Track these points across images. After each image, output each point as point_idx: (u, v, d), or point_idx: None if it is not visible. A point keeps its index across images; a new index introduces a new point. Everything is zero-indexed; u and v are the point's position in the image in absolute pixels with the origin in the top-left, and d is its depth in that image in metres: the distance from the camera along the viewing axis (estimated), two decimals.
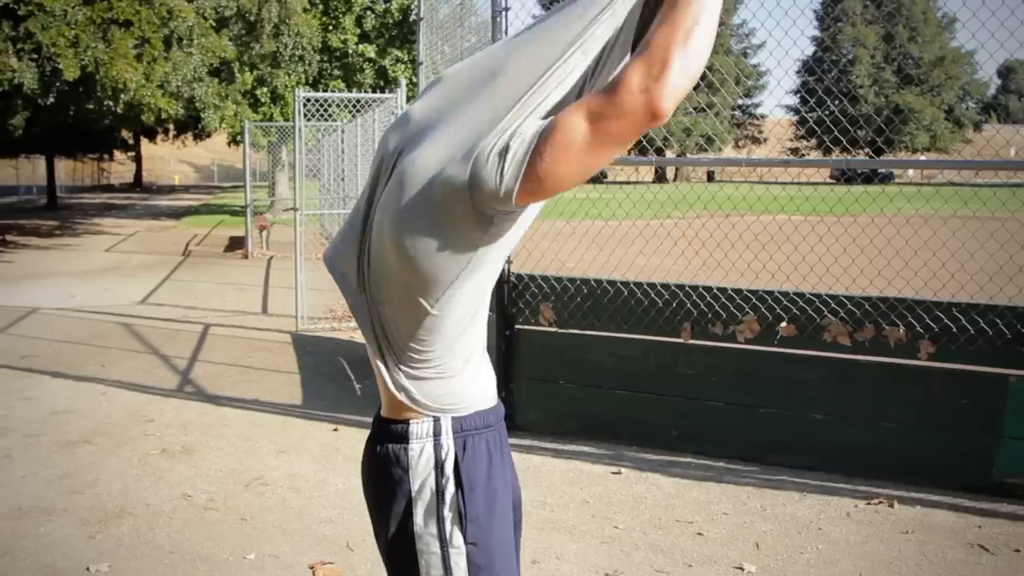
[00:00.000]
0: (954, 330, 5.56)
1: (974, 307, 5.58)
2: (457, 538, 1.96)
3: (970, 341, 5.53)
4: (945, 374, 5.62)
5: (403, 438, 1.99)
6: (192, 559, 4.67)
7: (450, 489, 1.95)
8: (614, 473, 5.92)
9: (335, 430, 6.79)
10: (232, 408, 7.44)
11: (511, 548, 2.06)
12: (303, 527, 5.09)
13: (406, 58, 34.48)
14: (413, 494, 1.99)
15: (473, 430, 2.01)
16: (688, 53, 1.64)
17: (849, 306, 5.82)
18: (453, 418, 1.99)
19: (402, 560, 2.03)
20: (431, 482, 1.97)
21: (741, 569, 4.59)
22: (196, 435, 6.71)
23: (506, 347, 6.67)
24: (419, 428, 1.97)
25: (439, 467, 1.96)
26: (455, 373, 1.98)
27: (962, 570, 4.62)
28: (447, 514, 1.96)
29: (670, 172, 56.77)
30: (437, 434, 1.98)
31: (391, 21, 35.15)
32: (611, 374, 6.42)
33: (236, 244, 21.01)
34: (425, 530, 1.97)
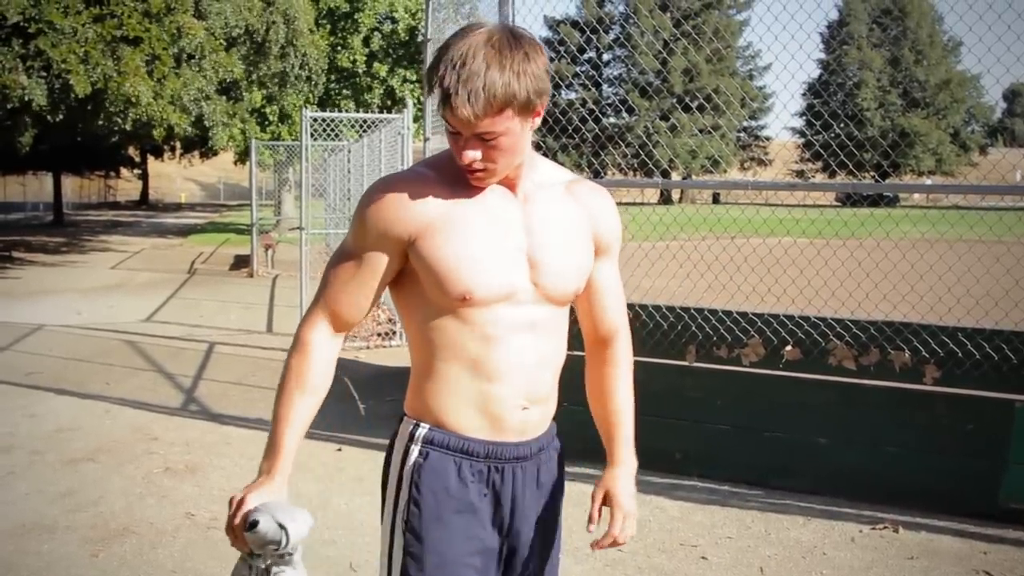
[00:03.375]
0: (960, 355, 5.56)
1: (980, 332, 5.58)
2: (399, 540, 2.12)
3: (976, 366, 5.53)
4: (950, 399, 5.61)
5: (395, 432, 2.19)
6: None
7: (403, 496, 2.12)
8: None
9: (339, 450, 6.78)
10: (236, 427, 7.43)
11: (456, 561, 2.12)
12: (306, 548, 5.05)
13: (413, 78, 34.56)
14: (388, 486, 2.17)
15: (444, 448, 2.11)
16: None
17: (854, 330, 5.82)
18: (430, 428, 2.12)
19: (384, 548, 2.20)
20: (393, 481, 2.15)
21: None
22: (200, 454, 6.70)
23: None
24: (403, 428, 2.16)
25: (402, 470, 2.13)
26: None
27: None
28: (398, 519, 2.13)
29: (675, 194, 56.84)
30: (412, 438, 2.13)
31: (398, 41, 35.25)
32: None
33: (241, 262, 21.03)
34: (384, 522, 2.17)
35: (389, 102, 34.00)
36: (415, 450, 2.10)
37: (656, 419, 6.29)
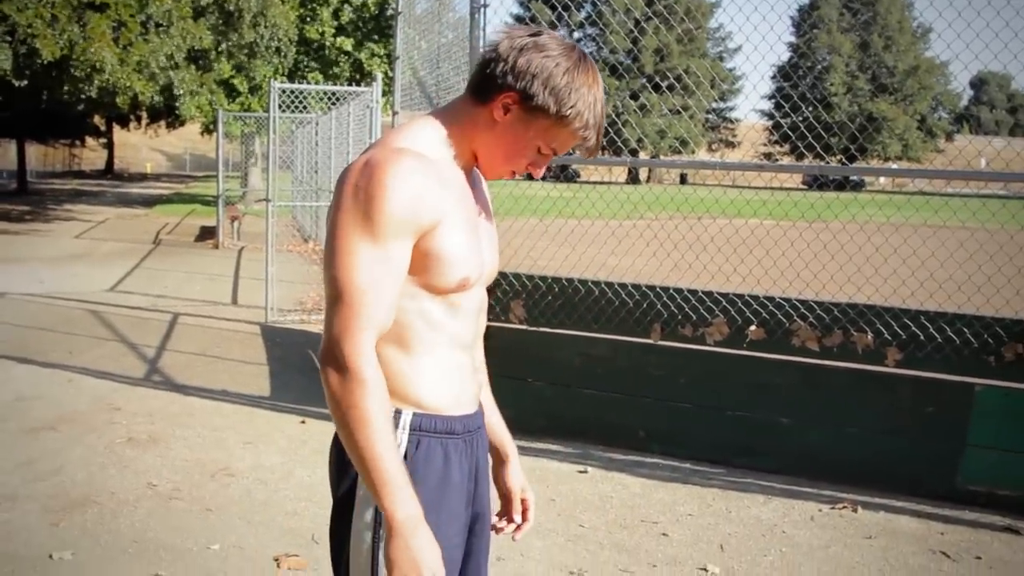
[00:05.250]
0: (922, 338, 5.61)
1: (942, 316, 5.63)
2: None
3: (937, 349, 5.58)
4: (912, 381, 5.67)
5: None
6: (156, 549, 4.64)
7: None
8: (581, 472, 5.94)
9: (303, 422, 6.77)
10: (199, 398, 7.40)
11: (451, 558, 2.07)
12: (268, 519, 5.07)
13: (382, 52, 34.38)
14: (359, 478, 2.01)
15: (432, 432, 2.05)
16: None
17: (818, 311, 5.86)
18: (415, 414, 2.03)
19: (338, 536, 2.09)
20: None
21: (705, 570, 4.61)
22: (162, 424, 6.67)
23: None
24: None
25: None
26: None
27: None
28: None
29: (643, 173, 56.91)
30: (395, 425, 2.00)
31: (368, 15, 35.03)
32: (580, 373, 6.44)
33: (207, 234, 20.90)
34: (361, 518, 2.01)
35: (357, 76, 33.81)
36: (403, 438, 2.01)
37: (620, 396, 6.33)
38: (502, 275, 6.64)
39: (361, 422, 1.87)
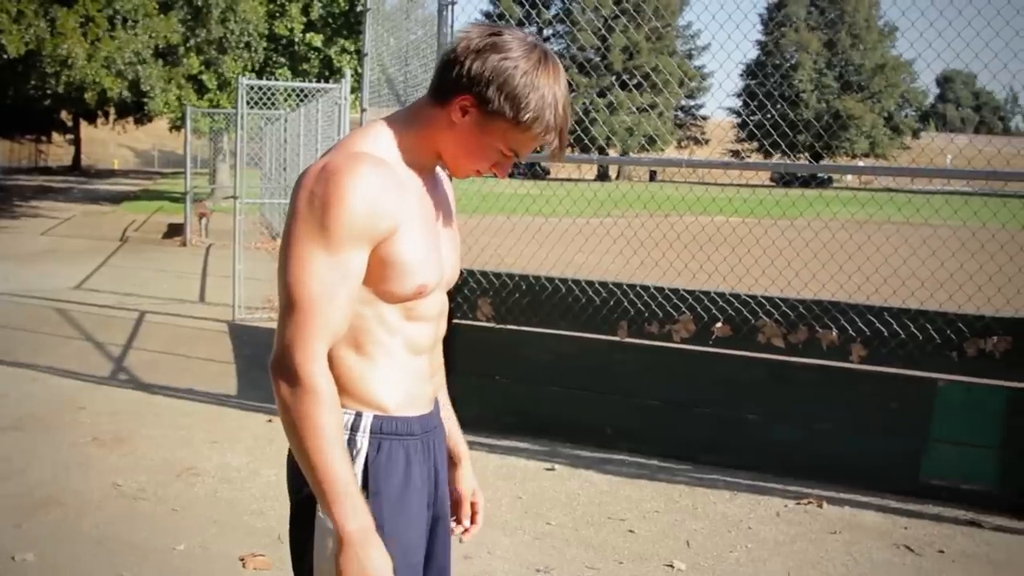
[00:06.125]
0: (885, 334, 5.66)
1: (905, 312, 5.68)
2: None
3: (900, 345, 5.63)
4: (875, 377, 5.72)
5: None
6: (121, 549, 4.62)
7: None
8: (548, 469, 5.95)
9: (269, 421, 6.75)
10: (165, 397, 7.37)
11: (413, 561, 2.07)
12: (234, 518, 5.05)
13: (352, 49, 34.27)
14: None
15: (393, 434, 2.04)
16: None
17: (784, 308, 5.90)
18: (375, 417, 2.01)
19: (298, 541, 2.07)
20: None
21: (671, 566, 4.63)
22: (128, 424, 6.63)
23: (444, 342, 6.65)
24: None
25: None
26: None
27: (887, 570, 4.71)
28: None
29: (612, 170, 56.98)
30: (354, 429, 2.00)
31: (337, 11, 34.91)
32: (547, 371, 6.45)
33: (175, 231, 20.77)
34: (324, 522, 1.96)
35: (327, 72, 33.68)
36: (363, 441, 2.00)
37: (587, 394, 6.35)
38: (469, 273, 6.65)
39: (312, 432, 1.86)
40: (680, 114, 73.83)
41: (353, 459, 1.98)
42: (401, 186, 1.98)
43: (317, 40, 34.64)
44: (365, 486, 1.98)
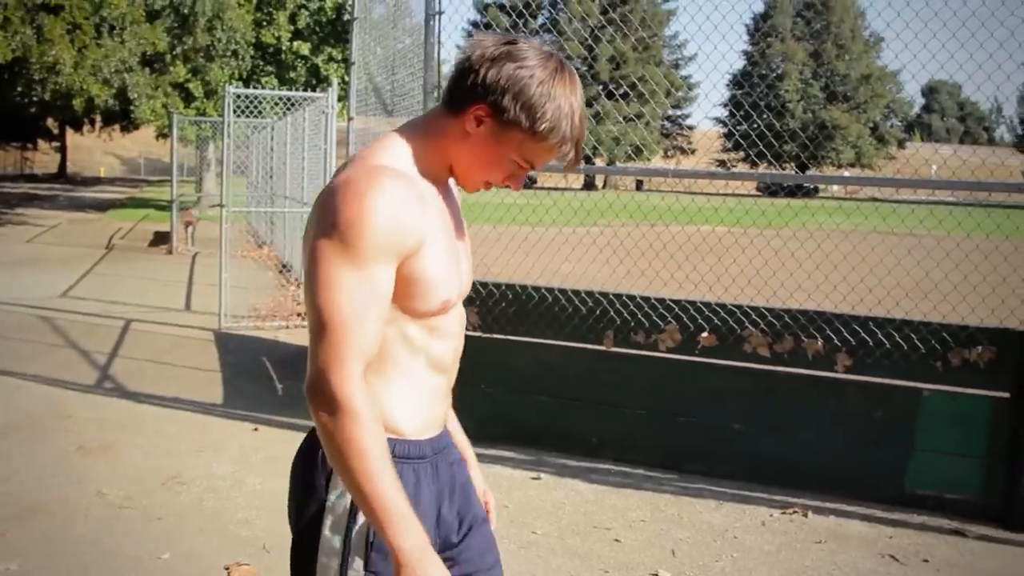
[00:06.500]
0: (870, 344, 5.68)
1: (890, 322, 5.71)
2: (358, 563, 1.95)
3: (885, 355, 5.65)
4: (861, 387, 5.74)
5: (316, 447, 1.99)
6: (106, 558, 4.61)
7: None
8: (534, 479, 5.95)
9: (255, 430, 6.74)
10: (151, 405, 7.35)
11: None
12: (220, 527, 5.04)
13: (339, 57, 34.28)
14: (328, 504, 1.98)
15: (404, 457, 2.00)
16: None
17: (769, 318, 5.91)
18: (389, 439, 1.95)
19: (301, 563, 2.03)
20: (347, 499, 1.96)
21: None
22: (114, 432, 6.61)
23: None
24: None
25: None
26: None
27: None
28: (354, 537, 1.96)
29: (599, 180, 57.06)
30: None
31: (324, 19, 34.92)
32: (533, 380, 6.45)
33: (161, 239, 20.71)
34: (330, 544, 1.96)
35: (314, 80, 33.68)
36: None
37: (573, 403, 6.35)
38: None
39: (357, 455, 1.81)
40: (667, 124, 74.02)
41: None
42: (422, 199, 1.94)
43: (304, 48, 34.67)
44: None
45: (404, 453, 2.00)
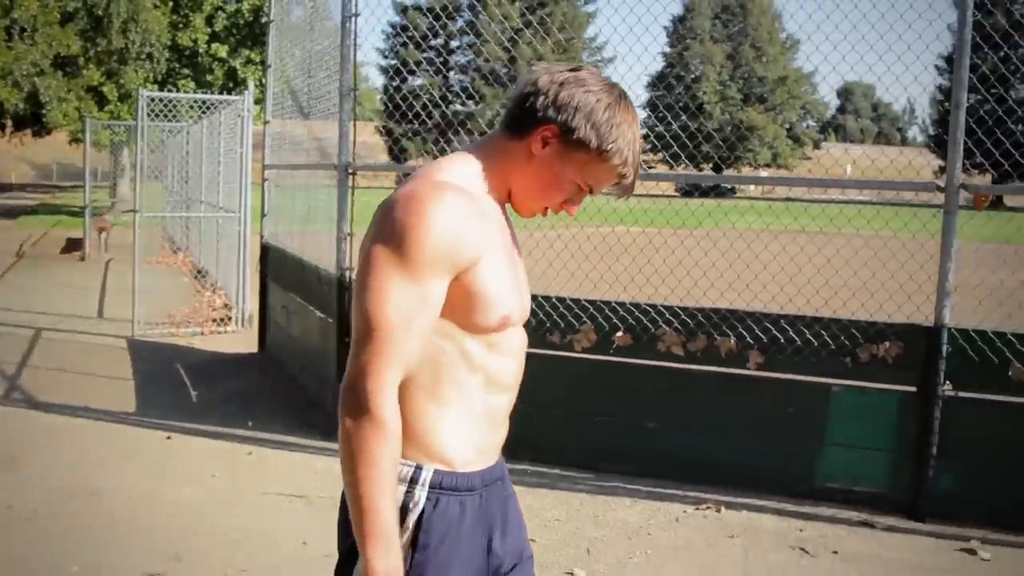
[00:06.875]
0: (782, 341, 5.76)
1: (800, 319, 5.80)
2: None
3: (796, 352, 5.74)
4: (772, 383, 5.82)
5: None
6: (14, 571, 4.51)
7: (404, 542, 1.94)
8: None
9: (168, 438, 6.64)
10: (62, 415, 7.20)
11: None
12: (131, 538, 4.96)
13: (257, 59, 33.98)
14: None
15: (452, 489, 2.00)
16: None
17: (683, 317, 5.97)
18: (436, 471, 1.97)
19: None
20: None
21: (571, 574, 4.67)
22: (22, 444, 6.47)
23: (345, 354, 6.63)
24: (399, 470, 1.94)
25: (402, 516, 1.94)
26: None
27: (783, 571, 4.80)
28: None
29: None
30: (413, 481, 1.96)
31: (242, 21, 34.61)
32: None
33: (73, 246, 20.33)
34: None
35: (231, 83, 33.35)
36: (422, 496, 1.95)
37: None
38: None
39: (366, 463, 1.83)
40: None
41: (409, 510, 1.95)
42: (484, 215, 1.97)
43: (222, 51, 34.34)
44: (415, 538, 1.95)
45: (452, 485, 1.99)
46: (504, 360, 2.06)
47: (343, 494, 2.02)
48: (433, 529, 1.96)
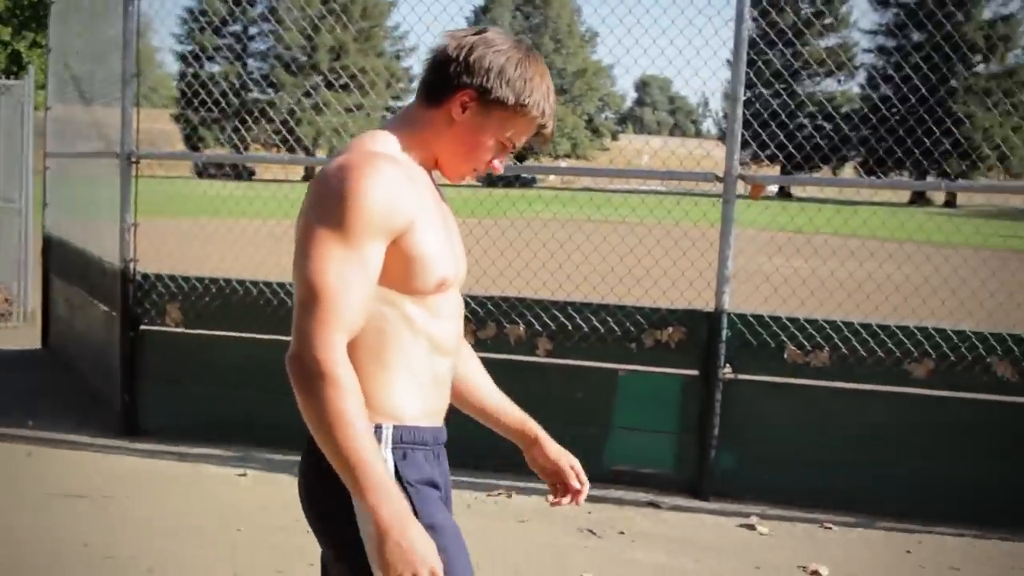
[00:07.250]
0: (570, 328, 5.89)
1: (587, 306, 5.93)
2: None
3: (584, 338, 5.87)
4: (561, 369, 5.95)
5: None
6: None
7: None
8: (240, 475, 5.85)
9: None
10: None
11: (461, 539, 2.11)
12: None
13: (44, 42, 32.59)
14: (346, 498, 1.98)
15: (412, 443, 2.07)
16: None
17: (472, 305, 6.01)
18: (395, 427, 2.04)
19: (354, 566, 2.04)
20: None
21: None
22: None
23: (130, 348, 6.45)
24: None
25: None
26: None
27: (571, 553, 4.91)
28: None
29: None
30: (376, 441, 1.97)
31: (26, 2, 33.13)
32: (239, 375, 6.32)
33: None
34: (351, 538, 2.00)
35: (15, 68, 31.87)
36: (388, 453, 2.02)
37: (280, 397, 6.15)
38: (157, 277, 6.47)
39: (337, 422, 1.86)
40: (388, 115, 74.21)
41: None
42: (415, 182, 2.04)
43: (5, 33, 32.79)
44: (400, 482, 1.99)
45: (411, 439, 2.07)
46: (444, 323, 2.11)
47: (303, 500, 2.15)
48: (409, 474, 2.04)
